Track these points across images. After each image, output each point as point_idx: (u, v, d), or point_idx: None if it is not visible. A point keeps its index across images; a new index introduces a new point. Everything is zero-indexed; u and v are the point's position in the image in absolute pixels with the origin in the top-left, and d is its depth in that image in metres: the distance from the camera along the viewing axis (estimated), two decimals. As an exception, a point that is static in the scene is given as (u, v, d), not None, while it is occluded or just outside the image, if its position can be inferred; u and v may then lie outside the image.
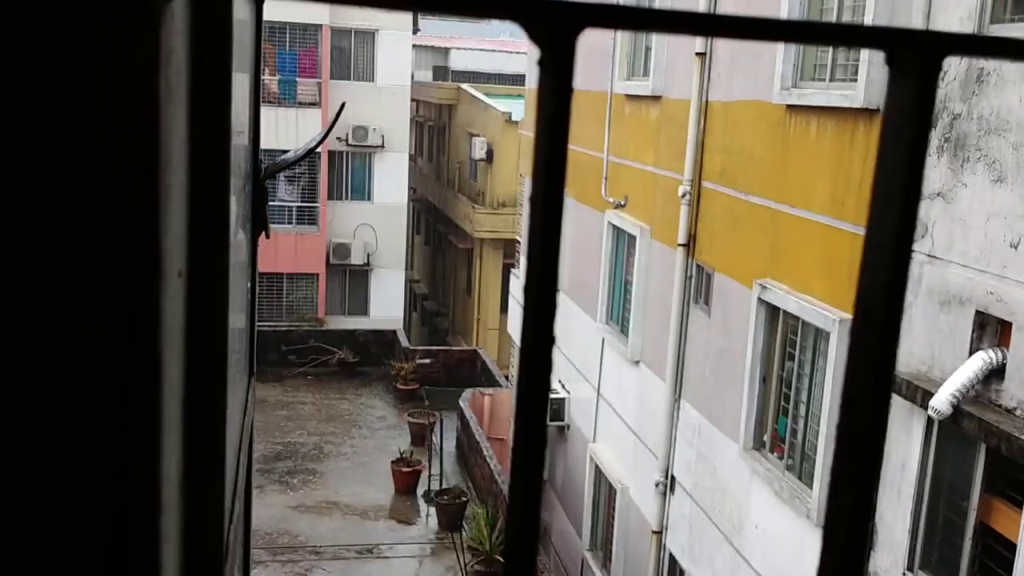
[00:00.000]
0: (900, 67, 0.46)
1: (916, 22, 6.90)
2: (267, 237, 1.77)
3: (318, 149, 25.92)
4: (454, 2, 0.40)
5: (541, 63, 0.43)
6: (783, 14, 8.72)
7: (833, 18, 8.27)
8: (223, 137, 0.64)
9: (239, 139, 1.29)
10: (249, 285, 1.65)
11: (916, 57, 0.45)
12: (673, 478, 11.16)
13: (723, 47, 10.15)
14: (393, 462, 18.32)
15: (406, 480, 18.08)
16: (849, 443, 0.52)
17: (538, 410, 0.46)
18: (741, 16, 0.42)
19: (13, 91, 0.41)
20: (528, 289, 0.42)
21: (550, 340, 0.45)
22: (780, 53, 8.74)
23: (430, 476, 17.93)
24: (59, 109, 0.42)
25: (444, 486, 17.65)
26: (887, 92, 0.47)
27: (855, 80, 7.76)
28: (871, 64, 7.42)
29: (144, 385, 0.43)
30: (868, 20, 7.46)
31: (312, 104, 25.99)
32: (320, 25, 25.85)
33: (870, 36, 0.46)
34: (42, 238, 0.44)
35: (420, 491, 18.05)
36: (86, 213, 0.43)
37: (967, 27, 6.46)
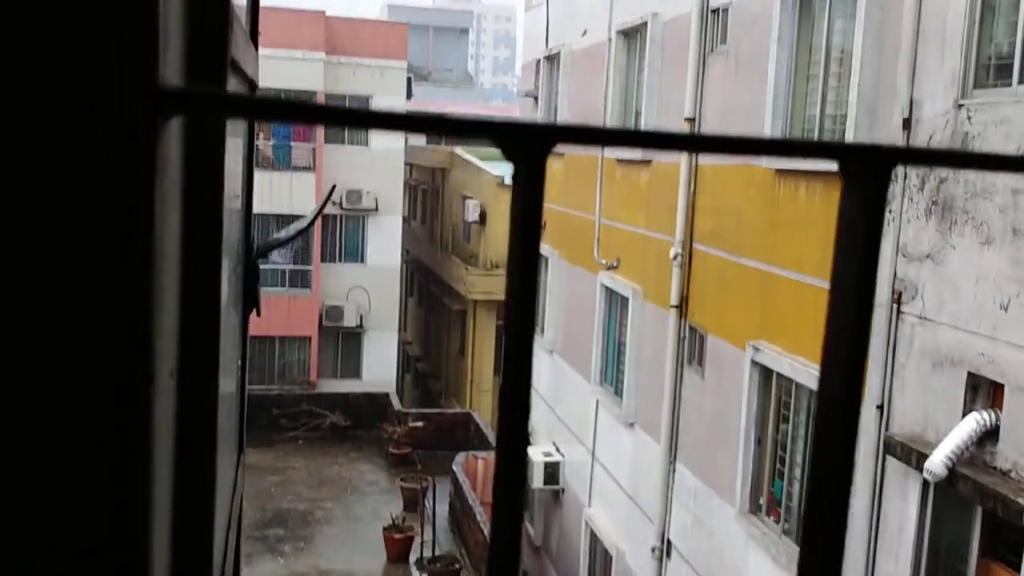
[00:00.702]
0: (852, 177, 0.48)
1: (901, 88, 7.04)
2: (258, 315, 1.79)
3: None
4: (436, 125, 0.43)
5: (514, 178, 0.45)
6: (769, 87, 8.88)
7: (819, 86, 8.42)
8: (214, 238, 0.67)
9: (232, 218, 1.32)
10: (240, 363, 1.67)
11: (867, 168, 0.48)
12: (669, 542, 11.04)
13: (712, 111, 10.32)
14: (385, 528, 18.08)
15: (398, 547, 17.82)
16: (819, 487, 0.53)
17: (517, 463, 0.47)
18: (699, 135, 0.45)
19: (18, 187, 0.43)
20: (502, 405, 0.43)
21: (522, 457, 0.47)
22: (769, 116, 8.89)
23: (423, 542, 17.68)
24: (58, 219, 0.44)
25: (437, 553, 17.40)
26: (840, 200, 0.49)
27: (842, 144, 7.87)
28: (858, 129, 7.55)
29: (131, 490, 0.44)
30: (854, 86, 7.61)
31: (306, 168, 26.23)
32: (315, 92, 26.21)
33: (823, 149, 0.49)
34: (36, 337, 0.46)
35: (413, 558, 17.77)
36: (80, 312, 0.45)
37: (951, 92, 6.59)
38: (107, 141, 0.43)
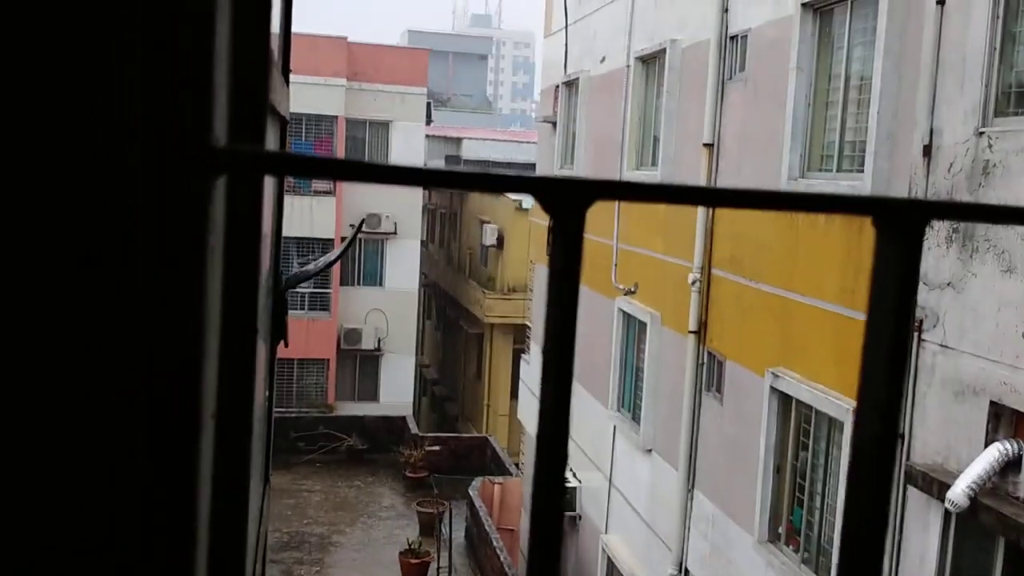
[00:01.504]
0: (885, 231, 0.49)
1: (921, 115, 7.03)
2: (286, 346, 1.81)
3: (331, 236, 26.22)
4: (477, 181, 0.44)
5: (553, 230, 0.46)
6: (788, 114, 8.88)
7: (838, 113, 8.42)
8: (252, 290, 0.68)
9: (263, 254, 1.34)
10: (268, 394, 1.68)
11: (900, 223, 0.48)
12: (687, 571, 10.94)
13: (731, 137, 10.33)
14: (401, 553, 18.01)
15: (414, 572, 17.74)
16: (856, 521, 0.53)
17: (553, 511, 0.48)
18: (731, 189, 0.45)
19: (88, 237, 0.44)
20: (538, 457, 0.44)
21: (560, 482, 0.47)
22: (787, 143, 8.89)
23: (439, 568, 17.59)
24: (117, 280, 0.45)
25: (453, 577, 17.30)
26: (875, 252, 0.50)
27: (862, 171, 7.87)
28: (877, 156, 7.54)
29: (176, 531, 0.45)
30: (873, 114, 7.60)
31: (327, 193, 26.39)
32: (336, 116, 26.42)
33: (856, 204, 0.50)
34: (87, 385, 0.47)
35: (429, 582, 17.68)
36: (132, 360, 0.46)
37: (971, 121, 6.57)
38: (165, 202, 0.45)
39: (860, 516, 0.50)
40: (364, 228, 27.03)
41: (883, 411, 0.47)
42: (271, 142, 1.16)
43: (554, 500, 0.46)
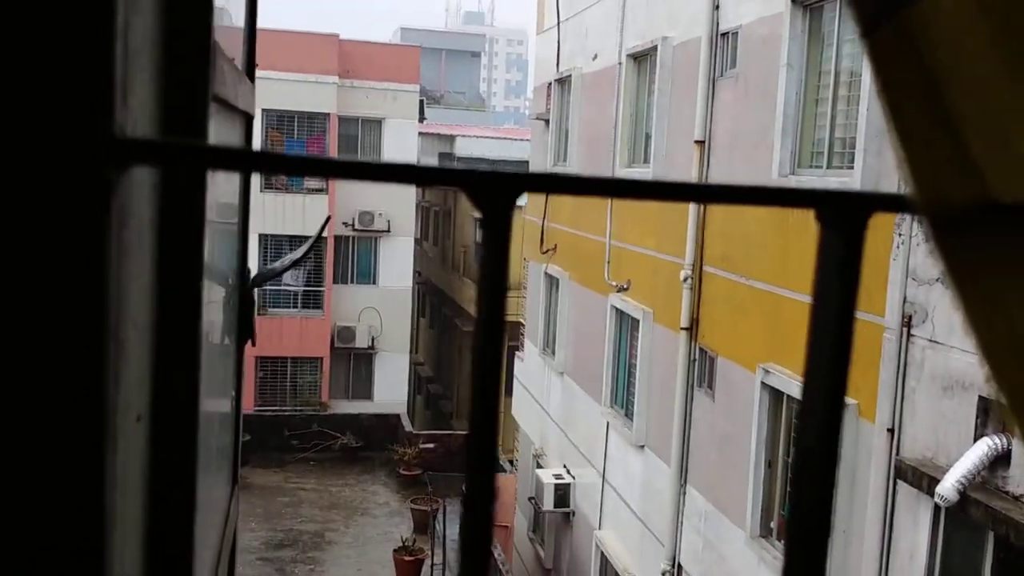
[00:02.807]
0: (829, 224, 0.48)
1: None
2: (253, 345, 1.79)
3: (324, 234, 26.19)
4: (409, 174, 0.43)
5: (482, 224, 0.45)
6: (778, 110, 8.89)
7: (828, 109, 8.42)
8: (193, 280, 0.66)
9: (224, 248, 1.32)
10: (234, 394, 1.66)
11: (843, 215, 0.47)
12: (680, 566, 10.95)
13: (722, 134, 10.33)
14: (395, 550, 18.01)
15: (409, 569, 17.75)
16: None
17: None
18: (664, 182, 0.44)
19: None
20: (469, 447, 0.43)
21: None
22: (778, 139, 8.89)
23: (432, 565, 17.60)
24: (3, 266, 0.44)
25: (448, 575, 17.31)
26: (819, 244, 0.49)
27: (852, 167, 7.87)
28: (867, 152, 7.54)
29: (87, 548, 0.44)
30: (863, 112, 7.61)
31: (319, 191, 26.34)
32: (328, 114, 26.36)
33: (800, 197, 0.48)
34: None
35: (423, 580, 17.69)
36: (30, 358, 0.45)
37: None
38: (56, 189, 0.43)
39: (806, 505, 0.49)
40: (357, 226, 27.00)
41: (827, 402, 0.45)
42: (225, 138, 1.15)
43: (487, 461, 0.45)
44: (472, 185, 0.44)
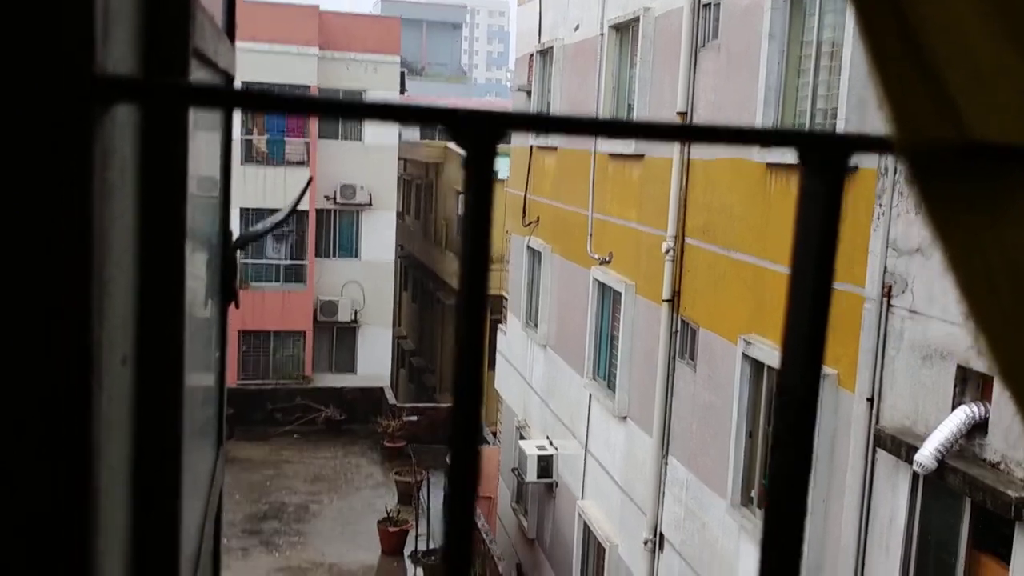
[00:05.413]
0: (811, 164, 0.48)
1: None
2: (236, 307, 1.79)
3: (305, 208, 26.05)
4: (392, 112, 0.43)
5: (466, 164, 0.45)
6: (760, 81, 8.89)
7: (810, 80, 8.43)
8: (176, 223, 0.66)
9: (207, 210, 1.31)
10: (218, 354, 1.66)
11: (825, 155, 0.48)
12: (662, 535, 11.06)
13: (704, 105, 10.32)
14: (380, 522, 18.10)
15: (393, 540, 17.85)
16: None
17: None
18: (651, 122, 0.44)
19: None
20: (456, 381, 0.43)
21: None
22: (760, 110, 8.90)
23: (417, 535, 17.71)
24: None
25: (432, 546, 17.42)
26: (800, 187, 0.49)
27: (833, 138, 7.88)
28: (848, 122, 7.56)
29: (73, 484, 0.44)
30: (844, 80, 7.61)
31: (300, 163, 26.18)
32: (308, 86, 26.14)
33: (782, 137, 0.49)
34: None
35: (407, 551, 17.80)
36: (14, 297, 0.45)
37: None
38: (38, 127, 0.43)
39: (785, 460, 0.50)
40: (339, 199, 26.87)
41: (807, 346, 0.46)
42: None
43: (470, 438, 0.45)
44: (456, 123, 0.44)
